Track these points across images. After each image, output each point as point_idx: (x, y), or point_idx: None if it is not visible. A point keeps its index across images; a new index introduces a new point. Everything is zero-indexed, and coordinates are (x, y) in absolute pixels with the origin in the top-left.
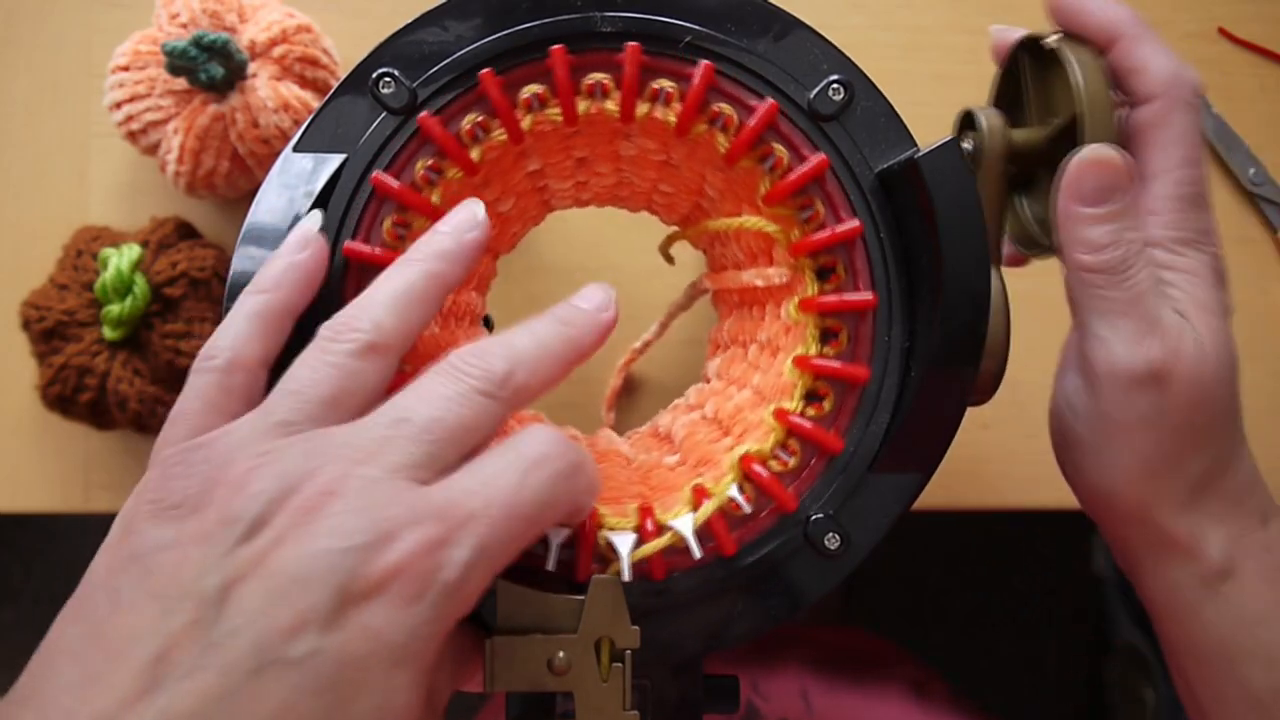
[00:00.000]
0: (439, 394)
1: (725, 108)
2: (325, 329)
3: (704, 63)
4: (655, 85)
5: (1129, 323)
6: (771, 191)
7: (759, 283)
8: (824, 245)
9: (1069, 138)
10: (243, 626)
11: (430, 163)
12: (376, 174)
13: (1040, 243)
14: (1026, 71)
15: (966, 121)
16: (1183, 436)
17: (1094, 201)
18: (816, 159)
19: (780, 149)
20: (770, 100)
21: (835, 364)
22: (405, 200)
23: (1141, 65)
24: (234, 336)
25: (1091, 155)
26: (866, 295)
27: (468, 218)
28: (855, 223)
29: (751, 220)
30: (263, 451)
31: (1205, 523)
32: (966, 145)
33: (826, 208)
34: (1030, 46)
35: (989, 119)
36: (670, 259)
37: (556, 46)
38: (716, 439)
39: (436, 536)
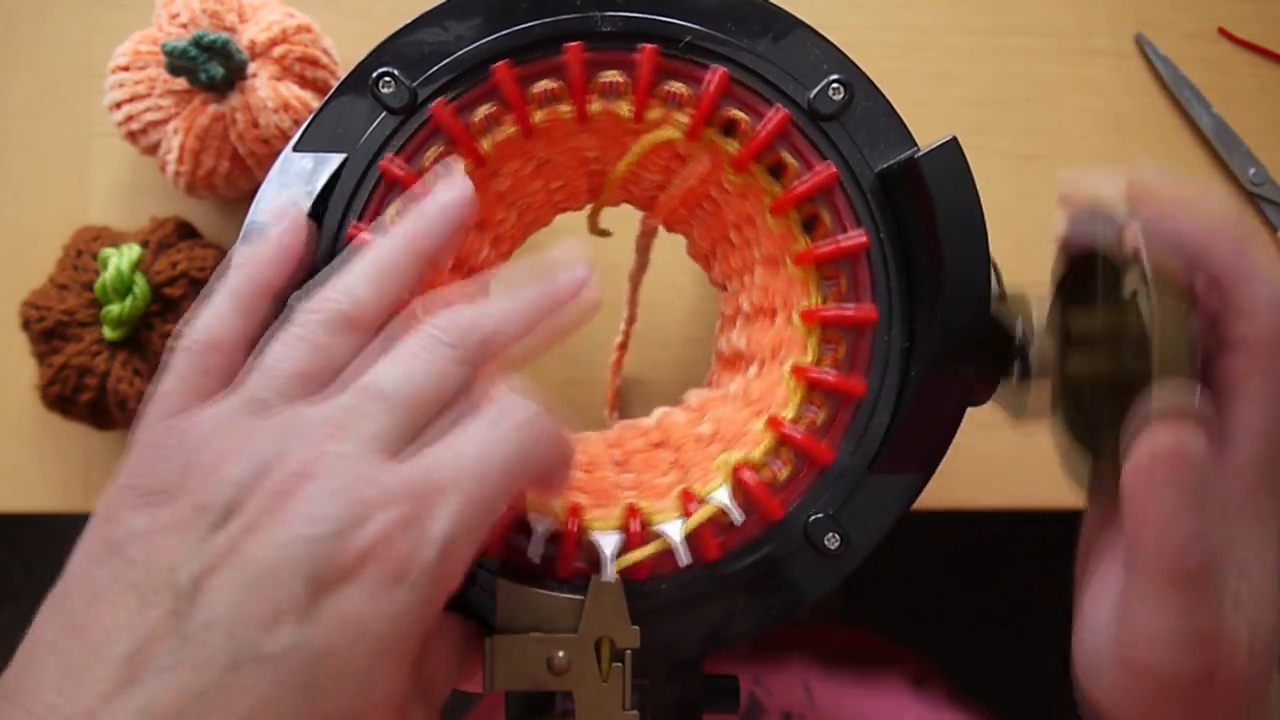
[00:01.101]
0: (409, 357)
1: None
2: (299, 303)
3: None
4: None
5: (1185, 619)
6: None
7: (692, 183)
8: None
9: (1137, 376)
10: (216, 620)
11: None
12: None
13: (1089, 454)
14: (1098, 268)
15: (1015, 349)
16: (1216, 712)
17: (1167, 486)
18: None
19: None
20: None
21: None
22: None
23: (1238, 303)
24: (210, 316)
25: (1166, 442)
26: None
27: (452, 192)
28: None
29: (649, 138)
30: (236, 433)
31: None
32: (1014, 371)
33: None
34: (1095, 256)
35: (1041, 353)
36: (603, 232)
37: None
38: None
39: (409, 514)
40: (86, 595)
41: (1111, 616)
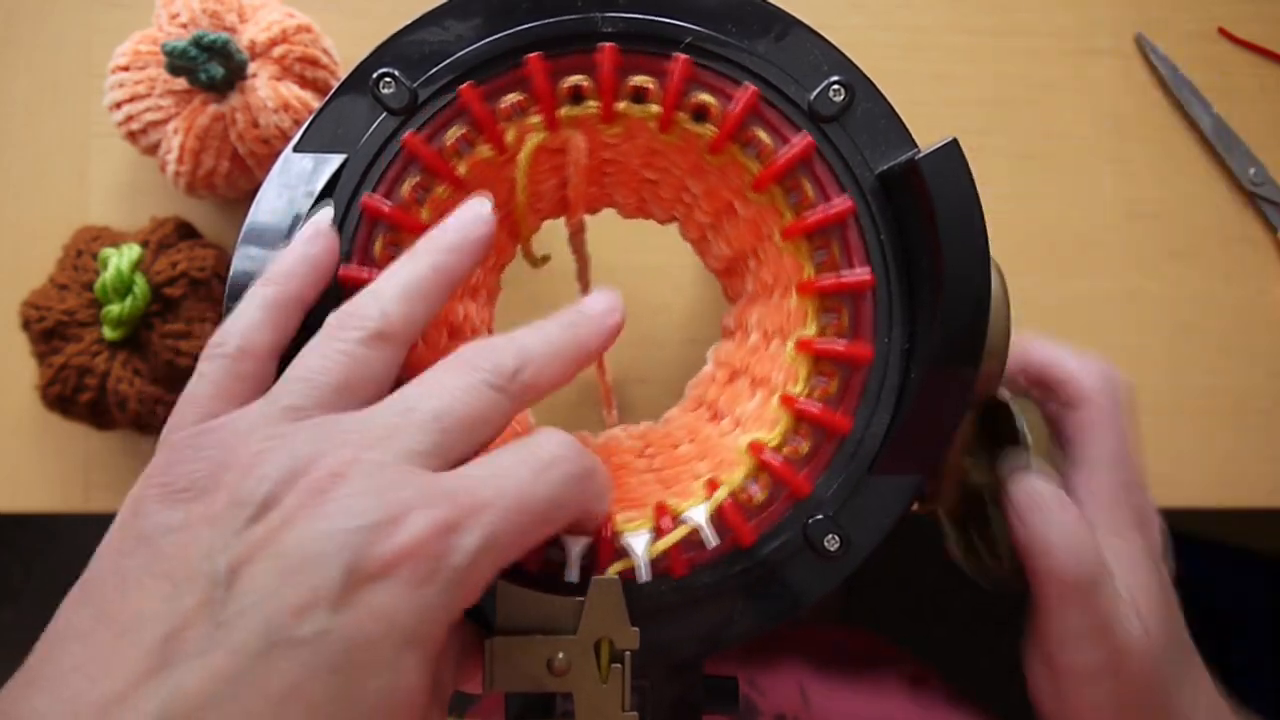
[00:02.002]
0: (448, 385)
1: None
2: (334, 318)
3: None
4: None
5: (1079, 619)
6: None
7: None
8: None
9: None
10: (252, 606)
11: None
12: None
13: (989, 572)
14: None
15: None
16: (1140, 714)
17: (1041, 519)
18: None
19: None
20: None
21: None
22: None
23: (1069, 379)
24: (245, 325)
25: (1031, 484)
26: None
27: (475, 213)
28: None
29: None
30: (271, 435)
31: None
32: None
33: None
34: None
35: (951, 468)
36: (541, 259)
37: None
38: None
39: (447, 520)
40: (116, 584)
41: (1037, 656)
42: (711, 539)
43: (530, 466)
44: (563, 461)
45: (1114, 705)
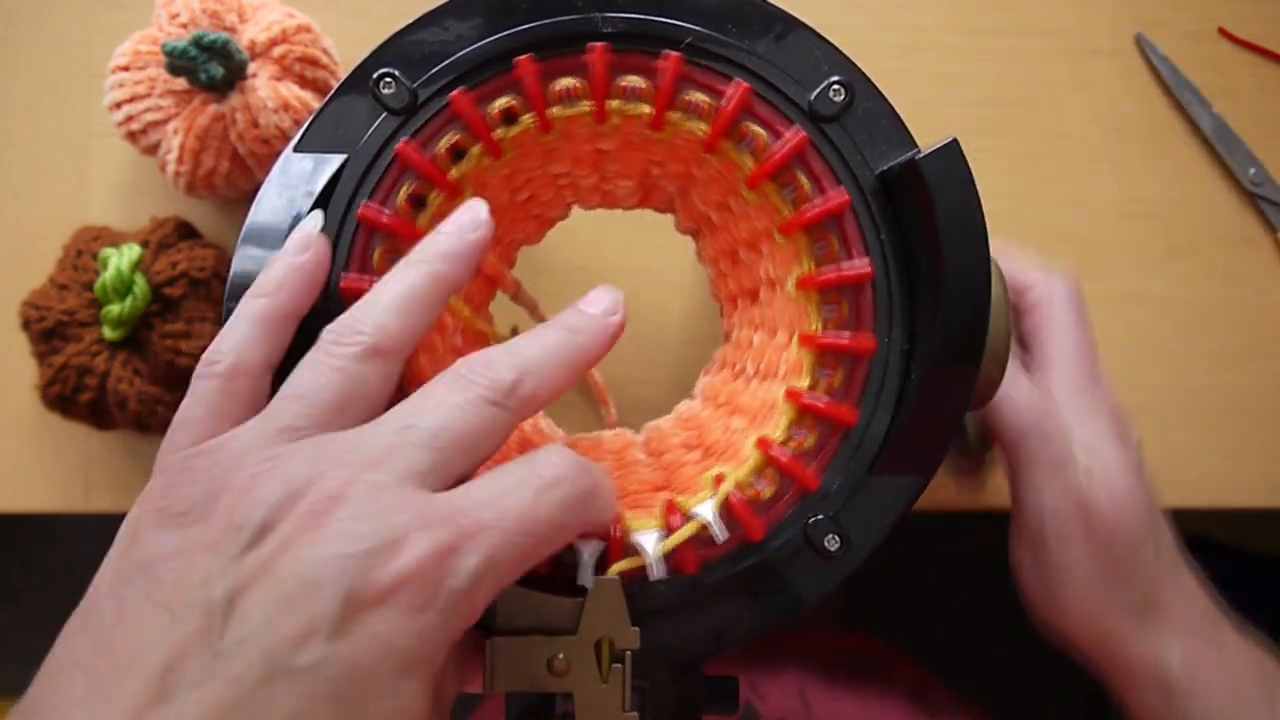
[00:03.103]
0: (447, 402)
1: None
2: (328, 332)
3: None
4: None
5: (1050, 479)
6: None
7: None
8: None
9: None
10: (250, 635)
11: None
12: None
13: (972, 447)
14: None
15: None
16: (1114, 572)
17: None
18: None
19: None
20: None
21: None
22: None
23: (1022, 286)
24: (237, 341)
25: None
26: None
27: (471, 218)
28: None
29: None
30: (268, 457)
31: (1157, 647)
32: None
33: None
34: None
35: None
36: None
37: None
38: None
39: (446, 544)
40: (114, 613)
41: (1017, 534)
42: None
43: (532, 487)
44: (565, 482)
45: (1093, 563)
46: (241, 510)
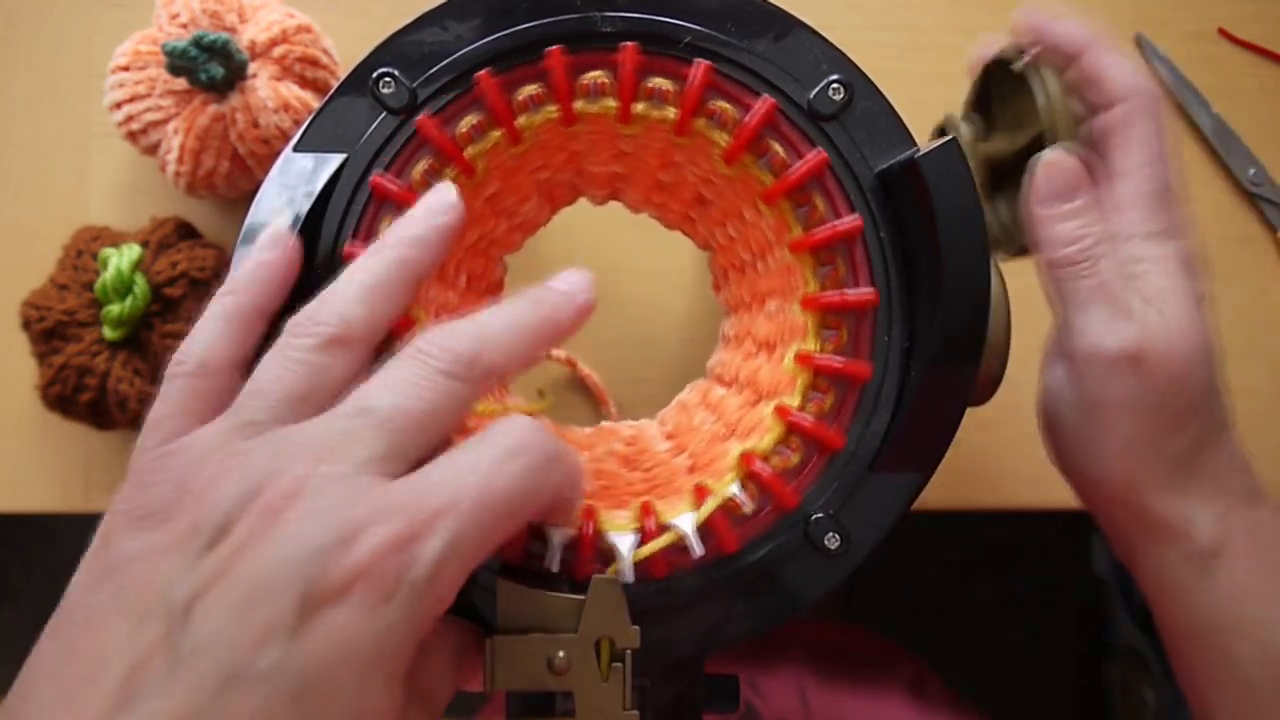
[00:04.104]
0: (402, 379)
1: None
2: (290, 324)
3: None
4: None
5: (1101, 309)
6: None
7: None
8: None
9: (1037, 149)
10: (207, 641)
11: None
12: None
13: (1014, 244)
14: (998, 86)
15: (940, 131)
16: (1161, 417)
17: (1056, 201)
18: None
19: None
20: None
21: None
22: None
23: (1103, 75)
24: (204, 339)
25: (1049, 158)
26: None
27: (439, 201)
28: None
29: None
30: (229, 455)
31: (1192, 503)
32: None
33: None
34: (1000, 65)
35: (961, 131)
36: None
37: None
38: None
39: (402, 534)
40: (82, 620)
41: (1056, 358)
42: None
43: (489, 460)
44: (524, 450)
45: (1141, 406)
46: (201, 512)
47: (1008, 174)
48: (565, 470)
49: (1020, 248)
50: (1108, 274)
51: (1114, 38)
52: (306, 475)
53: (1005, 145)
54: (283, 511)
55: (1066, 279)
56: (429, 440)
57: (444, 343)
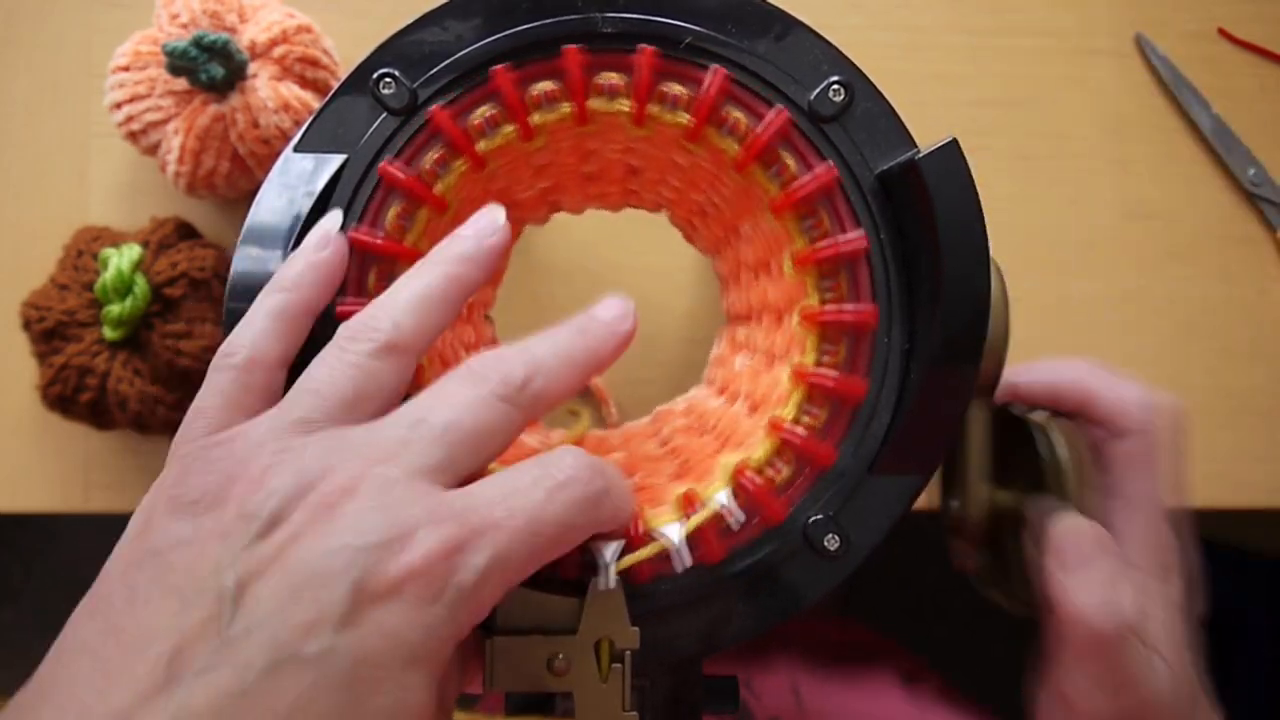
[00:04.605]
0: (458, 397)
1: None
2: (345, 329)
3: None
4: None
5: (1109, 674)
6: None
7: None
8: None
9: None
10: (258, 623)
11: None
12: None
13: (1017, 598)
14: (1007, 428)
15: (949, 484)
16: None
17: (1080, 567)
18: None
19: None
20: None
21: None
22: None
23: (1110, 413)
24: (254, 334)
25: (1070, 526)
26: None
27: (489, 223)
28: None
29: None
30: (281, 449)
31: None
32: (954, 504)
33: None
34: (1000, 411)
35: (980, 492)
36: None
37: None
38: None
39: (455, 540)
40: (125, 599)
41: (1054, 702)
42: (685, 560)
43: (544, 487)
44: (577, 483)
45: None
46: (254, 500)
47: (1011, 521)
48: (613, 504)
49: (1026, 604)
50: (1113, 653)
51: (1104, 369)
52: (362, 474)
53: (1017, 499)
54: (338, 506)
55: (1076, 638)
56: (478, 460)
57: (498, 366)
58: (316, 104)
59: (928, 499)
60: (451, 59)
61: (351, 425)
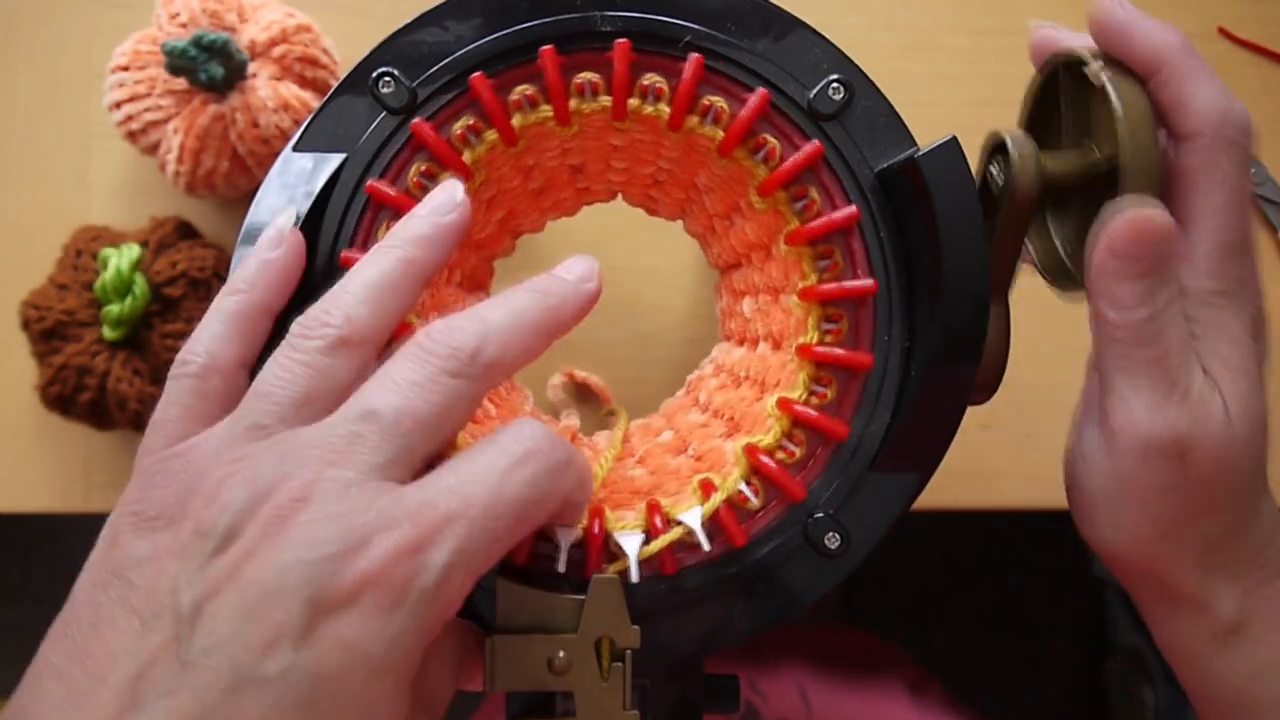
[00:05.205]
0: (406, 379)
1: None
2: (296, 325)
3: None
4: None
5: (1153, 385)
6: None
7: None
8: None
9: (1107, 171)
10: (216, 645)
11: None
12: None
13: (1070, 278)
14: (1064, 89)
15: (996, 147)
16: (1199, 504)
17: (1130, 259)
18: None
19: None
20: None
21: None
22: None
23: (1186, 101)
24: (208, 339)
25: (1133, 214)
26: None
27: (445, 200)
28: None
29: None
30: (235, 458)
31: (1217, 580)
32: (994, 171)
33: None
34: (1070, 65)
35: (1021, 149)
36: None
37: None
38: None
39: (411, 541)
40: (90, 620)
41: (1092, 420)
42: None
43: (499, 467)
44: (534, 456)
45: (1180, 492)
46: (209, 515)
47: (1070, 193)
48: (574, 476)
49: (1078, 282)
50: (1170, 346)
51: (1197, 51)
52: (314, 480)
53: (1070, 164)
54: (291, 517)
55: (1123, 344)
56: (436, 441)
57: (446, 339)
58: (316, 103)
59: (927, 499)
60: (451, 58)
61: (305, 425)
